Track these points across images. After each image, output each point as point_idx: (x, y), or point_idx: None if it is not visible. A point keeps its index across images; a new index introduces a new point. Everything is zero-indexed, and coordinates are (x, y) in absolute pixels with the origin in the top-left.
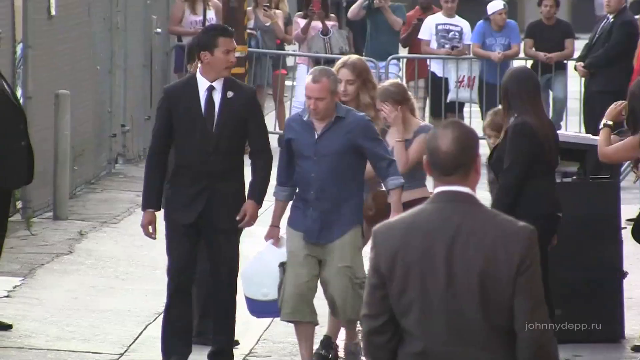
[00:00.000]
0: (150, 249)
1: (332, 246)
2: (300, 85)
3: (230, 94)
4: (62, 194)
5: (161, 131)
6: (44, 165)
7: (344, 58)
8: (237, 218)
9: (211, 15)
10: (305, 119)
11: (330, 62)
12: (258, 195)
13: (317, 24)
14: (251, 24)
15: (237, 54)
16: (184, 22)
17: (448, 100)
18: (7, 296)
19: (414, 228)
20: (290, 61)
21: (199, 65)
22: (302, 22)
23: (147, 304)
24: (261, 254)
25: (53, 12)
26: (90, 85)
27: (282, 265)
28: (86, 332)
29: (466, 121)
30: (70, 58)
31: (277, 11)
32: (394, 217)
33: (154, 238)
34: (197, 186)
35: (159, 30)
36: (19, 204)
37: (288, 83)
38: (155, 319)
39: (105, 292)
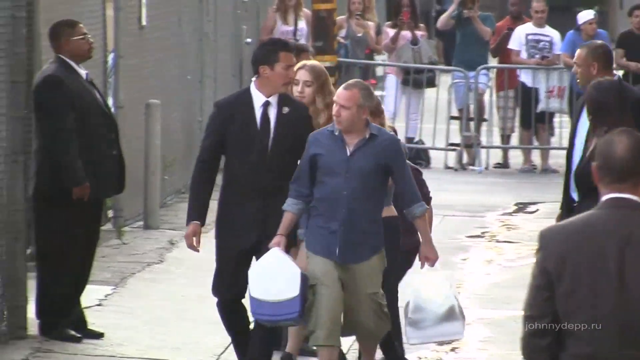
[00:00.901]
0: None
1: (358, 269)
2: (390, 95)
3: (285, 109)
4: (153, 203)
5: (213, 146)
6: (134, 175)
7: (304, 61)
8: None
9: (302, 25)
10: (336, 133)
11: (420, 72)
12: None
13: (406, 34)
14: (343, 33)
15: (326, 64)
16: (275, 32)
17: (538, 111)
18: (98, 305)
19: (584, 232)
20: (379, 71)
21: (254, 79)
22: (391, 32)
23: None
24: (272, 254)
25: (144, 23)
26: (181, 94)
27: (312, 287)
28: (177, 341)
29: (556, 131)
30: (160, 68)
31: (370, 22)
32: (428, 251)
33: (198, 250)
34: (250, 205)
35: (249, 40)
36: (110, 213)
37: (377, 93)
38: None
39: (196, 301)
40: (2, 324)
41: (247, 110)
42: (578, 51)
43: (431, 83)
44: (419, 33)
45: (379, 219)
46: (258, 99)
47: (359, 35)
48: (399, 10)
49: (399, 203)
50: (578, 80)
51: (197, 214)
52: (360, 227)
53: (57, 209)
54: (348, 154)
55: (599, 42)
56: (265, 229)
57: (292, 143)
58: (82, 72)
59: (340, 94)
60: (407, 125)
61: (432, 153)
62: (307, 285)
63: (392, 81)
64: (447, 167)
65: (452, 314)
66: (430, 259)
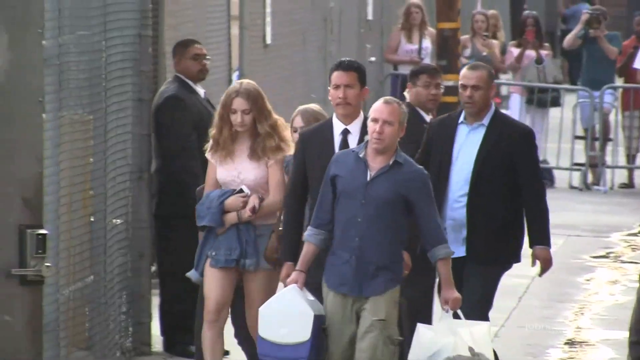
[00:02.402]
0: None
1: (371, 301)
2: (514, 114)
3: (367, 138)
4: None
5: (297, 177)
6: None
7: (236, 85)
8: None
9: (427, 44)
10: (361, 155)
11: (544, 91)
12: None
13: (530, 53)
14: (467, 52)
15: (449, 83)
16: (399, 50)
17: None
18: None
19: None
20: (504, 90)
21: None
22: (515, 51)
23: None
24: (283, 294)
25: (268, 41)
26: None
27: (324, 330)
28: None
29: None
30: (284, 86)
31: (494, 41)
32: (447, 294)
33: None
34: None
35: (372, 59)
36: None
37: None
38: None
39: None
40: (126, 340)
41: (326, 139)
42: (477, 73)
43: (555, 102)
44: (543, 52)
45: (396, 252)
46: (338, 127)
47: (484, 54)
48: (524, 30)
49: (422, 242)
50: (469, 105)
51: (289, 254)
52: (373, 259)
53: (178, 228)
54: (368, 178)
55: (482, 63)
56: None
57: None
58: (200, 91)
59: (381, 109)
60: None
61: (556, 173)
62: (321, 327)
63: (516, 100)
64: (572, 187)
65: None
66: (450, 302)
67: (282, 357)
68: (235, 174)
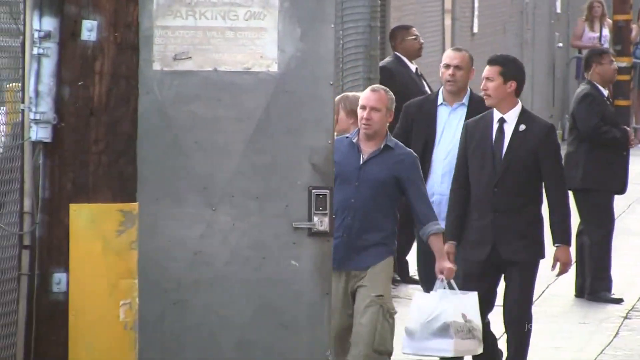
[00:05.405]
0: None
1: (365, 274)
2: None
3: (522, 127)
4: None
5: (461, 163)
6: None
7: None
8: (552, 270)
9: (605, 32)
10: (354, 141)
11: None
12: (561, 235)
13: None
14: (638, 38)
15: (623, 64)
16: (583, 37)
17: None
18: None
19: None
20: None
21: None
22: None
23: None
24: None
25: (475, 30)
26: None
27: None
28: None
29: None
30: None
31: None
32: (442, 264)
33: (454, 269)
34: (483, 220)
35: (560, 44)
36: None
37: None
38: None
39: None
40: None
41: (485, 127)
42: (460, 54)
43: None
44: None
45: (387, 229)
46: (496, 115)
47: None
48: None
49: (414, 221)
50: (450, 84)
51: (452, 232)
52: (363, 236)
53: None
54: (361, 162)
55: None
56: (496, 241)
57: (528, 160)
58: (412, 66)
59: (369, 96)
60: None
61: None
62: None
63: None
64: None
65: (445, 331)
66: (445, 271)
67: None
68: None
